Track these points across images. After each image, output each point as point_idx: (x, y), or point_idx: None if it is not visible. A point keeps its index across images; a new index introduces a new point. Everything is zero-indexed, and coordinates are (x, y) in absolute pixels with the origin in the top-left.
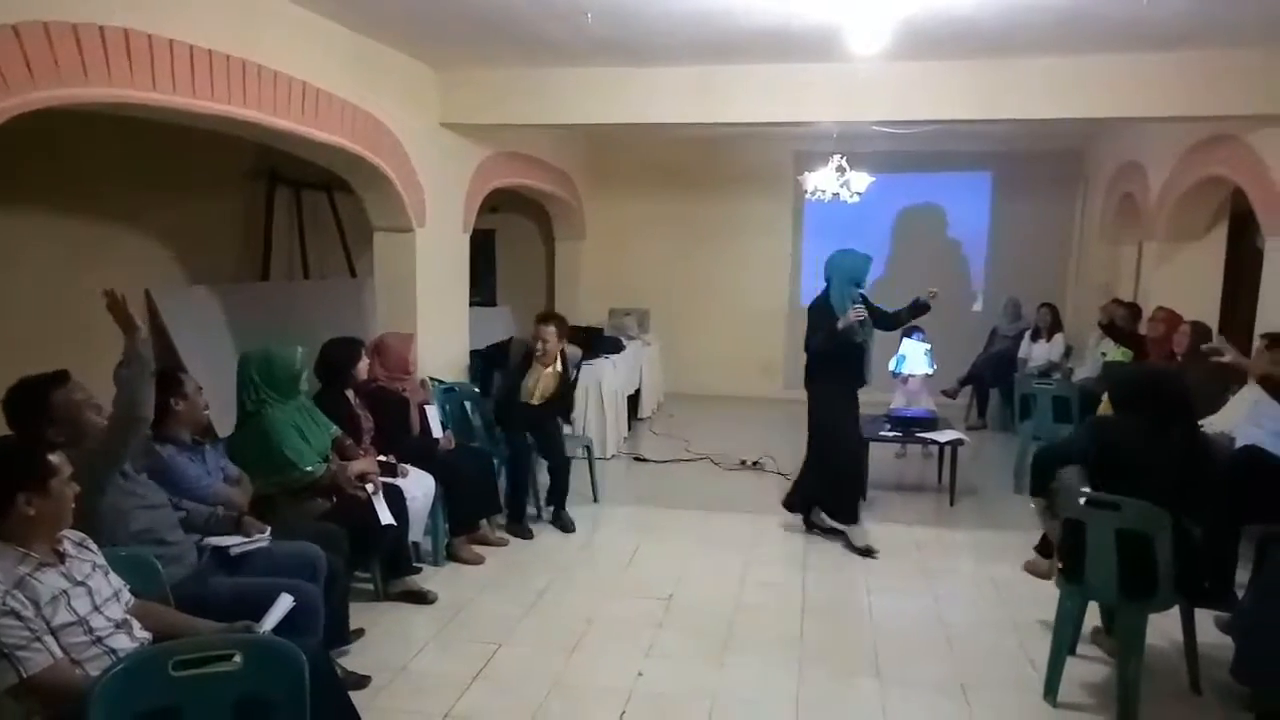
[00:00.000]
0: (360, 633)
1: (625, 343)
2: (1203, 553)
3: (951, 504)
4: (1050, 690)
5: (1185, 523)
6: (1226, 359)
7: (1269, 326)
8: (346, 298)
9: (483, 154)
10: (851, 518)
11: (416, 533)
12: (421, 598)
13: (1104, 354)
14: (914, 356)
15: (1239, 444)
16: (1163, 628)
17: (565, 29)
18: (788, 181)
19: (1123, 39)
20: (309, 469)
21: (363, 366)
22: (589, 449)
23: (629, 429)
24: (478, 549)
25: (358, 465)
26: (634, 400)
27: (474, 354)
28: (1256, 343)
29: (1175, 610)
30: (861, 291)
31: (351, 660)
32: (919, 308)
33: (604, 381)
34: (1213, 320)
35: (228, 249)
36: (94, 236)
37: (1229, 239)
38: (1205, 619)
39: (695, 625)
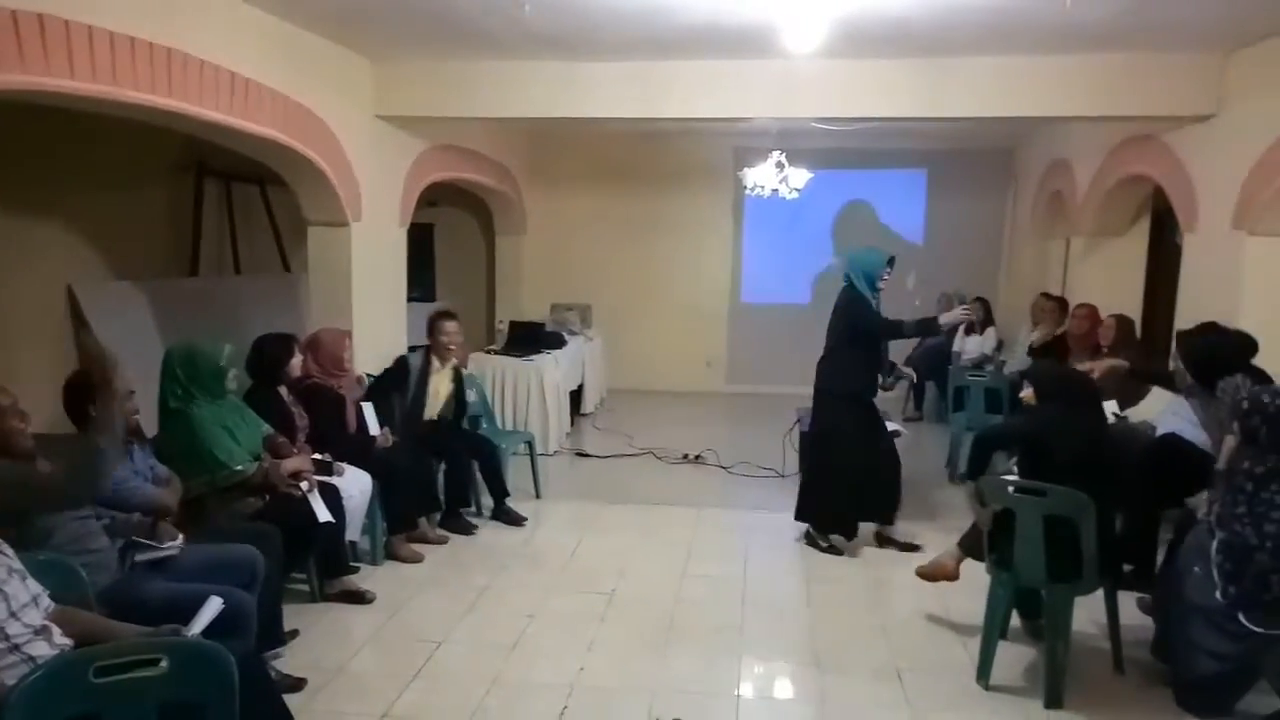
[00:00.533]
0: (294, 634)
1: (568, 338)
2: (1124, 537)
3: None
4: (983, 673)
5: (1108, 509)
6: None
7: (1187, 318)
8: (280, 293)
9: (420, 147)
10: (851, 531)
11: (354, 532)
12: (359, 598)
13: (1033, 345)
14: None
15: (1159, 432)
16: (1089, 611)
17: (503, 22)
18: (728, 177)
19: (1049, 41)
20: (239, 468)
21: (296, 363)
22: (530, 445)
23: (571, 425)
24: (417, 547)
25: (291, 463)
26: (576, 396)
27: (412, 350)
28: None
29: (1101, 594)
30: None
31: (287, 663)
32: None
33: (546, 377)
34: (1135, 313)
35: (154, 243)
36: (12, 231)
37: (1150, 235)
38: (1129, 601)
39: (637, 619)
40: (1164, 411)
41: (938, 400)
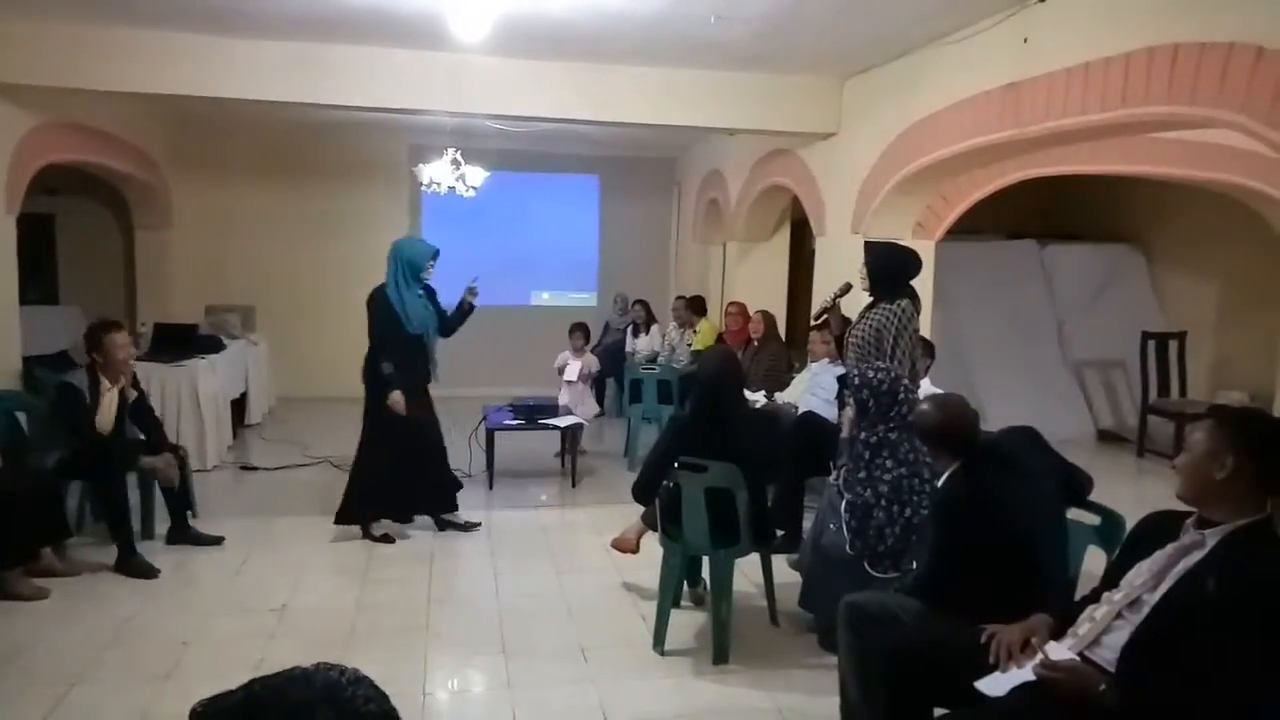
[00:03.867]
0: None
1: (226, 342)
2: (775, 505)
3: (573, 485)
4: (659, 641)
5: (759, 481)
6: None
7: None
8: None
9: (30, 122)
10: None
11: None
12: None
13: (689, 344)
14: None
15: (800, 411)
16: (749, 574)
17: None
18: (403, 174)
19: (700, 56)
20: None
21: None
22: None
23: (235, 436)
24: (39, 582)
25: None
26: (240, 405)
27: (28, 360)
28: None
29: (758, 557)
30: (421, 288)
31: None
32: (465, 310)
33: (200, 384)
34: (780, 309)
35: None
36: None
37: (791, 240)
38: (781, 562)
39: (313, 631)
40: (803, 392)
41: (617, 395)
